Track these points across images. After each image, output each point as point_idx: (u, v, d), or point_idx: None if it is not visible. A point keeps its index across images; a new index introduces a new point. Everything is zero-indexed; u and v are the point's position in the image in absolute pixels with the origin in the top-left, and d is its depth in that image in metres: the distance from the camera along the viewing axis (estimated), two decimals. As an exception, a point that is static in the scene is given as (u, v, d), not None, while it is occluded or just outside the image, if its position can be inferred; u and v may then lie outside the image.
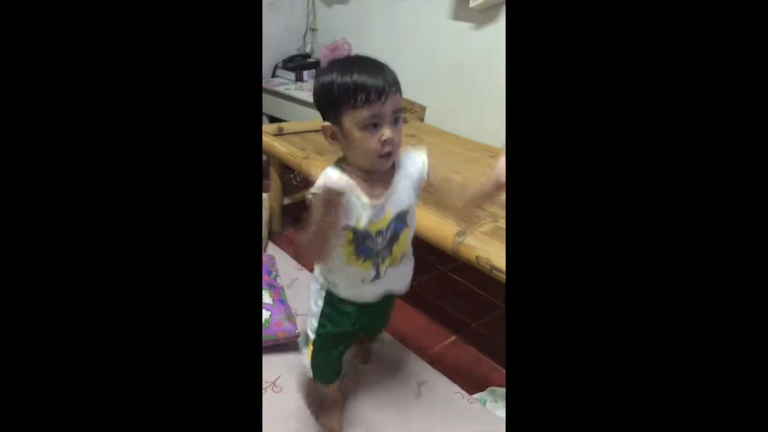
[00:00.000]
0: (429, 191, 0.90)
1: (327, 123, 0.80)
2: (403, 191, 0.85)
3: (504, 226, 1.23)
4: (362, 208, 0.83)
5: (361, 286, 0.91)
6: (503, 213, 1.29)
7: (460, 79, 1.90)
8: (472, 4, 1.74)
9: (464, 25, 1.85)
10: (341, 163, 0.84)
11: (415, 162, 0.87)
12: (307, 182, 1.93)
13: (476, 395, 1.18)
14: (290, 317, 1.26)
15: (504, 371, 1.26)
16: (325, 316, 0.96)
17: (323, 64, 2.38)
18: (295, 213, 1.92)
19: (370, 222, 0.83)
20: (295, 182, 1.93)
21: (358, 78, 0.75)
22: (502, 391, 1.18)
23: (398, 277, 0.95)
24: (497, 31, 1.76)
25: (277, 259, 1.57)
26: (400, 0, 2.06)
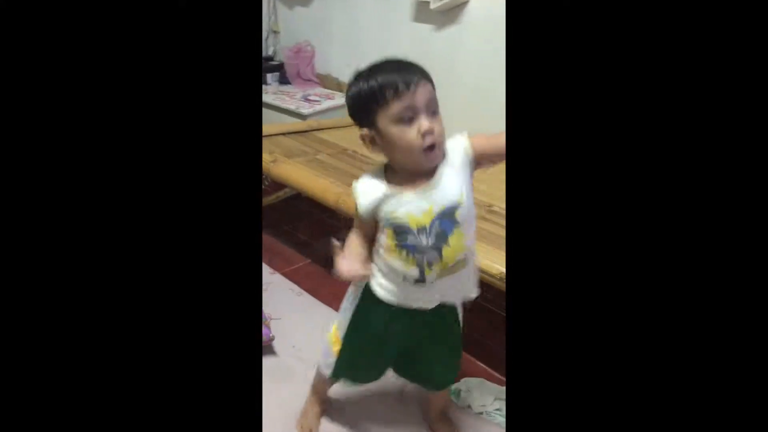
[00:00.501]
0: (486, 169, 0.82)
1: (364, 130, 0.77)
2: (447, 183, 0.77)
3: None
4: (398, 203, 0.78)
5: (402, 285, 0.82)
6: (470, 209, 1.33)
7: (423, 80, 1.94)
8: (432, 6, 1.77)
9: (426, 27, 1.89)
10: (382, 169, 0.81)
11: (455, 149, 0.79)
12: (276, 185, 1.93)
13: (450, 387, 1.21)
14: (264, 321, 1.26)
15: (477, 362, 1.30)
16: (358, 314, 0.90)
17: (286, 66, 2.38)
18: (264, 217, 1.91)
19: (409, 216, 0.77)
20: (263, 185, 1.92)
21: (383, 77, 0.74)
22: (475, 381, 1.22)
23: (452, 287, 0.84)
24: (459, 31, 1.80)
25: (248, 264, 1.57)
26: (361, 2, 2.08)
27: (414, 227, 0.78)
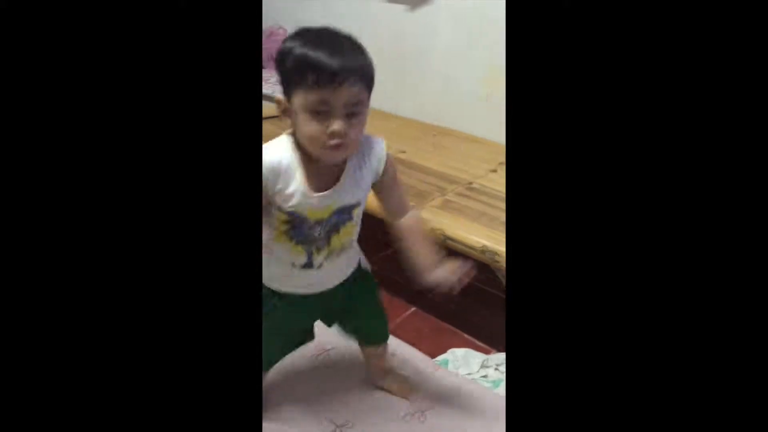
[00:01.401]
0: (375, 188, 0.82)
1: (280, 96, 0.73)
2: (352, 184, 0.77)
3: (451, 199, 1.31)
4: (303, 196, 0.75)
5: (291, 270, 0.83)
6: (451, 187, 1.37)
7: (398, 61, 1.95)
8: (405, -13, 1.78)
9: (398, 8, 1.89)
10: (292, 141, 0.76)
11: (373, 149, 0.78)
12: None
13: (438, 358, 1.26)
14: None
15: (461, 333, 1.35)
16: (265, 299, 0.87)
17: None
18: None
19: (310, 210, 0.77)
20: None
21: (314, 54, 0.66)
22: (461, 351, 1.27)
23: (335, 270, 0.86)
24: (432, 12, 1.82)
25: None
26: (333, -16, 2.06)
27: (312, 220, 0.78)
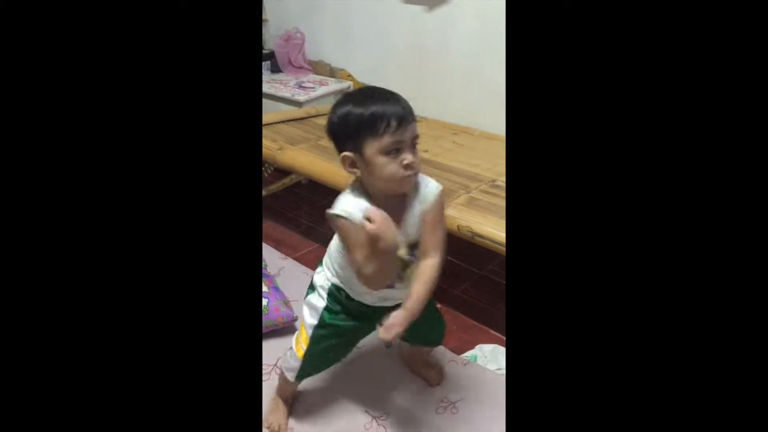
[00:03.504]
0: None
1: (347, 153, 0.83)
2: (414, 219, 0.87)
3: (476, 196, 1.32)
4: None
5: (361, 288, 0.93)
6: (475, 185, 1.39)
7: (417, 62, 1.97)
8: (422, -12, 1.80)
9: (416, 8, 1.91)
10: (356, 189, 0.86)
11: (429, 188, 0.89)
12: (279, 173, 1.96)
13: (467, 354, 1.28)
14: (286, 302, 1.31)
15: (488, 330, 1.37)
16: (328, 310, 0.97)
17: (277, 54, 2.38)
18: (268, 205, 1.95)
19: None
20: (267, 173, 1.95)
21: (378, 108, 0.80)
22: (489, 347, 1.29)
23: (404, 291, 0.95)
24: (449, 12, 1.83)
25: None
26: (350, -14, 2.09)
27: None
